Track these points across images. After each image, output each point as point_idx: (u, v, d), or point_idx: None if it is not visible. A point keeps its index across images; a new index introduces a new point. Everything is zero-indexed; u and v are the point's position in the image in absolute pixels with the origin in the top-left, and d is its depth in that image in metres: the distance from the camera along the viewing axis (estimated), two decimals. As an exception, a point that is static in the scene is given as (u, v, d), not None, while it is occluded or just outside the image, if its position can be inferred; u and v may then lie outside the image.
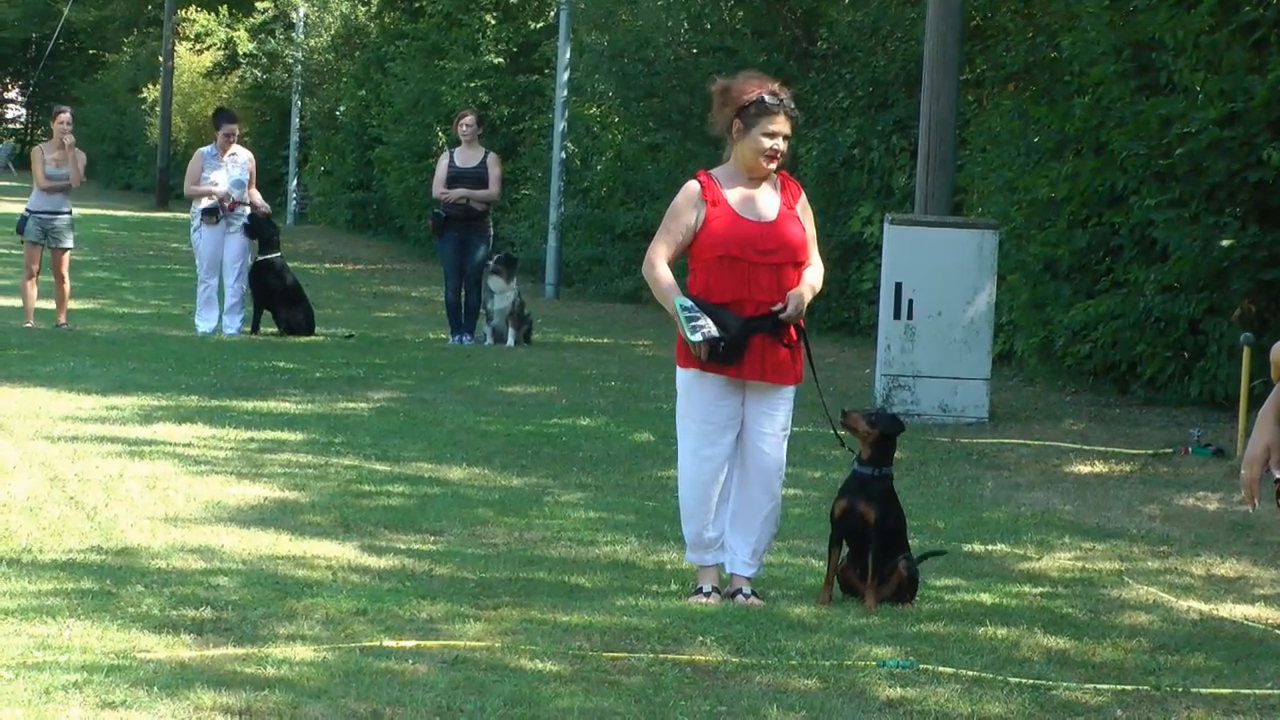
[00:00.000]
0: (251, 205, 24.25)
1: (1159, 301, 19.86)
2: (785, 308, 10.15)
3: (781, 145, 10.26)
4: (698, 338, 9.98)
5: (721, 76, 10.82)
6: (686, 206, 10.29)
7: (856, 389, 20.26)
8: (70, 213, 24.17)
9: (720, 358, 10.08)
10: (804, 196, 10.58)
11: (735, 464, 10.41)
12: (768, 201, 10.33)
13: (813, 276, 10.40)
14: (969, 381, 19.01)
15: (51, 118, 24.69)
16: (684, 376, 10.35)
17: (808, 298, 10.29)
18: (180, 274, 32.68)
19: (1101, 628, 10.45)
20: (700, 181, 10.35)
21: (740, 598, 10.31)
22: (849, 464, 10.77)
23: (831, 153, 27.25)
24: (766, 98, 10.20)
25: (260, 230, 24.25)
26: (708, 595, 10.32)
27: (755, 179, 10.33)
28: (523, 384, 20.65)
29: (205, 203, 24.20)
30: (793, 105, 10.38)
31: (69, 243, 24.20)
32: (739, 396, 10.30)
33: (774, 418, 10.37)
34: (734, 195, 10.29)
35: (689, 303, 10.11)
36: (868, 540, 10.45)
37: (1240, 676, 9.46)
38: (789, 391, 10.43)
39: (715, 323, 10.02)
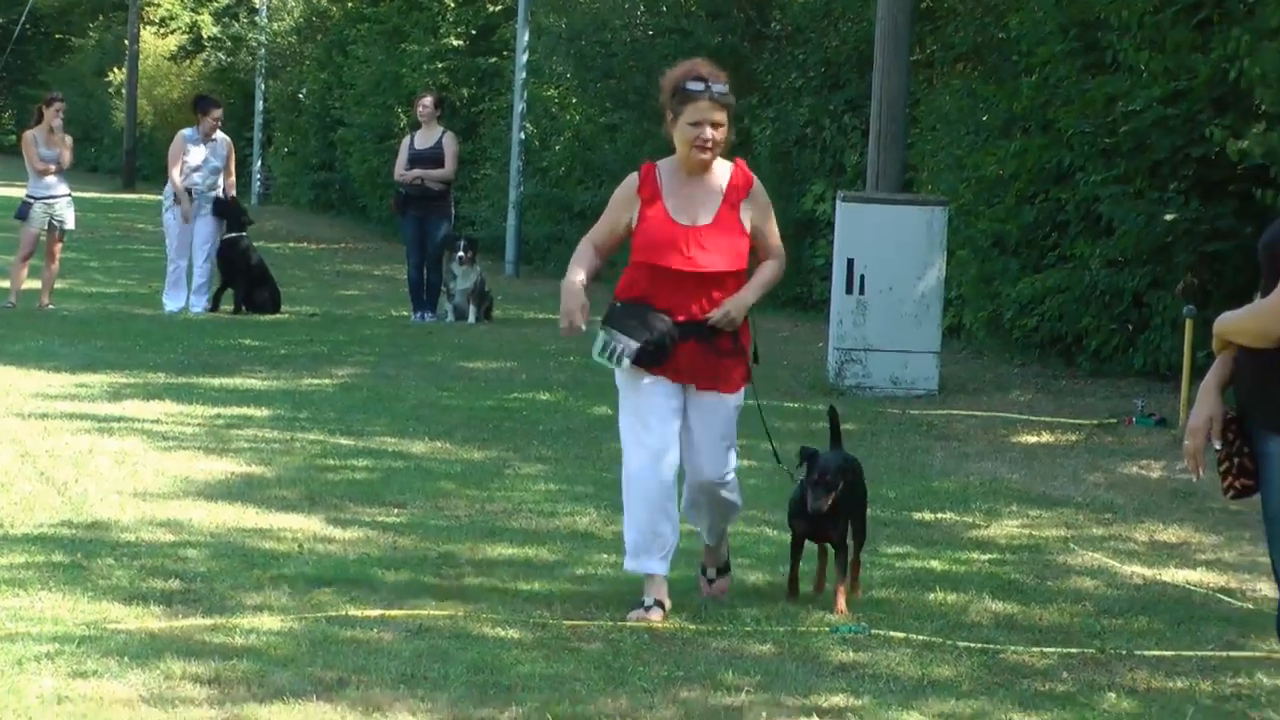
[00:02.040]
0: (224, 190, 24.27)
1: (1104, 275, 19.93)
2: (720, 317, 9.38)
3: (710, 134, 9.34)
4: (615, 363, 9.40)
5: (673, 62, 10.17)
6: (621, 202, 9.63)
7: (810, 363, 20.32)
8: (69, 194, 24.15)
9: (648, 360, 9.35)
10: (756, 187, 9.67)
11: (688, 472, 9.65)
12: (707, 200, 9.50)
13: (766, 273, 9.65)
14: (919, 355, 19.05)
15: (44, 104, 24.58)
16: (619, 374, 9.56)
17: (749, 302, 9.49)
18: (147, 254, 32.60)
19: (1048, 593, 10.51)
20: (641, 175, 9.61)
21: (705, 584, 9.92)
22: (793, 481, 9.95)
23: (785, 131, 27.25)
24: (688, 84, 9.36)
25: (228, 211, 24.22)
26: (648, 609, 9.38)
27: (696, 171, 9.51)
28: (484, 360, 20.66)
29: (187, 182, 24.20)
30: (722, 89, 9.40)
31: (71, 223, 24.23)
32: (678, 395, 9.51)
33: (711, 427, 9.52)
34: (672, 192, 9.50)
35: (618, 307, 9.48)
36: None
37: (1183, 639, 9.53)
38: (728, 400, 9.57)
39: (642, 323, 9.33)
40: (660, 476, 9.44)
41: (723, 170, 9.59)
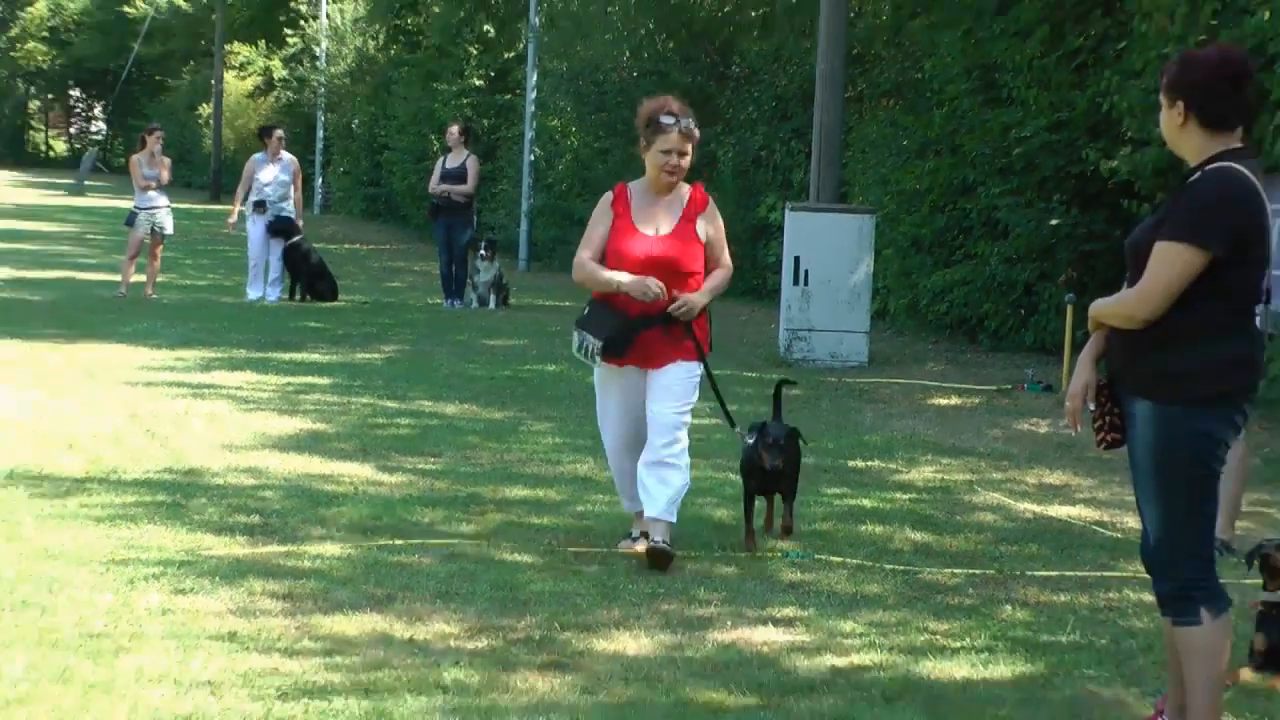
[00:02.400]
0: (287, 209, 24.26)
1: (1001, 270, 19.97)
2: (678, 307, 9.05)
3: (676, 160, 9.08)
4: (590, 359, 9.14)
5: (649, 97, 9.75)
6: (599, 215, 9.30)
7: (764, 340, 20.32)
8: (168, 205, 24.08)
9: (613, 353, 9.07)
10: (711, 206, 9.34)
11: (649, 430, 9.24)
12: (668, 215, 9.21)
13: (716, 280, 9.29)
14: (852, 334, 19.07)
15: (146, 133, 24.50)
16: (596, 375, 9.40)
17: (700, 303, 9.13)
18: (231, 254, 32.51)
19: (956, 525, 10.53)
20: (614, 193, 9.34)
21: (627, 541, 9.44)
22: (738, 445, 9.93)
23: (743, 154, 27.22)
24: (661, 118, 9.08)
25: (283, 229, 24.20)
26: (634, 540, 9.34)
27: (662, 191, 9.23)
28: (502, 338, 20.64)
29: (253, 198, 24.23)
30: (689, 124, 9.14)
31: (169, 229, 24.11)
32: (639, 379, 9.22)
33: (670, 390, 9.11)
34: (640, 207, 9.23)
35: (584, 312, 9.26)
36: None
37: (1065, 562, 9.57)
38: (681, 369, 9.16)
39: (602, 322, 9.09)
40: (629, 448, 9.32)
41: (684, 190, 9.28)
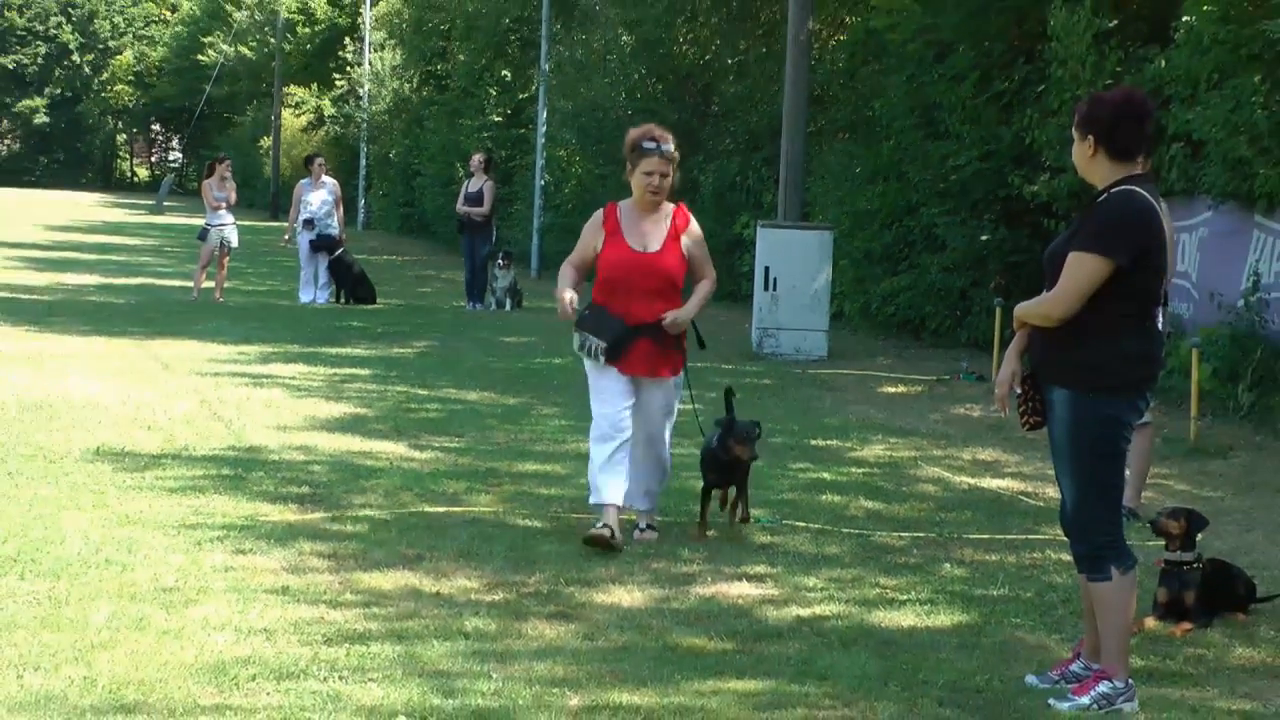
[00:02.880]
0: (331, 225, 24.25)
1: (940, 278, 19.96)
2: (667, 320, 8.63)
3: (658, 182, 8.65)
4: (594, 358, 8.68)
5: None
6: (591, 232, 8.84)
7: (739, 338, 20.27)
8: (234, 222, 24.04)
9: (612, 354, 8.62)
10: (693, 224, 8.90)
11: (636, 432, 8.76)
12: (656, 232, 8.75)
13: (703, 290, 8.84)
14: (814, 332, 19.07)
15: (216, 161, 24.50)
16: (588, 365, 8.81)
17: (691, 313, 8.73)
18: (286, 263, 32.43)
19: (903, 495, 10.50)
20: (605, 212, 8.87)
21: (637, 532, 8.84)
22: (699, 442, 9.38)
23: (721, 179, 27.21)
24: (644, 143, 8.68)
25: (324, 245, 24.22)
26: (601, 528, 8.47)
27: (647, 209, 8.78)
28: (516, 335, 20.59)
29: (302, 217, 24.22)
30: (669, 148, 8.72)
31: (235, 243, 24.09)
32: (630, 382, 8.73)
33: (656, 400, 8.78)
34: (630, 225, 8.76)
35: (585, 314, 8.77)
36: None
37: (995, 527, 9.53)
38: (668, 382, 8.80)
39: (603, 326, 8.65)
40: (616, 439, 8.64)
41: (668, 210, 8.81)
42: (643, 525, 8.89)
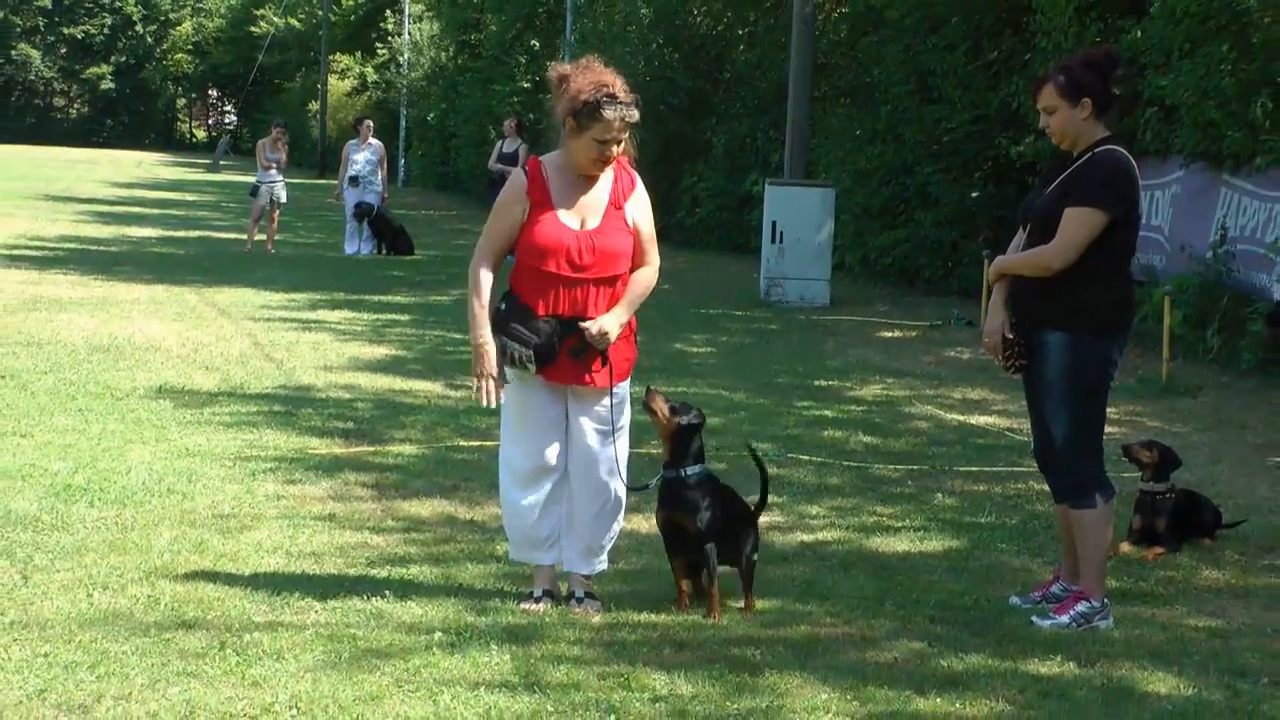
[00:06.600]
0: (375, 183, 24.11)
1: (933, 231, 19.82)
2: (592, 330, 5.87)
3: (614, 151, 5.92)
4: (524, 367, 5.91)
5: (558, 64, 7.08)
6: (510, 204, 6.06)
7: (749, 286, 20.19)
8: (284, 179, 23.96)
9: (539, 361, 5.88)
10: (639, 188, 6.09)
11: (568, 465, 6.05)
12: (595, 201, 5.99)
13: (638, 288, 6.02)
14: (817, 281, 19.00)
15: (273, 125, 24.49)
16: (509, 373, 5.96)
17: (622, 319, 5.95)
18: (333, 218, 32.32)
19: (899, 430, 10.47)
20: (529, 174, 6.08)
21: (573, 602, 6.04)
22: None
23: (732, 140, 27.01)
24: (605, 109, 5.83)
25: (364, 212, 24.12)
26: (537, 600, 6.01)
27: (587, 173, 6.01)
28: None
29: (348, 174, 24.10)
30: (634, 114, 5.88)
31: (284, 198, 24.00)
32: (560, 397, 6.01)
33: (596, 414, 6.00)
34: (561, 192, 5.99)
35: (503, 310, 5.98)
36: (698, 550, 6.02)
37: (983, 460, 9.51)
38: (609, 392, 6.01)
39: (529, 329, 5.87)
40: (537, 479, 6.03)
41: (607, 171, 6.05)
42: (579, 594, 6.09)
